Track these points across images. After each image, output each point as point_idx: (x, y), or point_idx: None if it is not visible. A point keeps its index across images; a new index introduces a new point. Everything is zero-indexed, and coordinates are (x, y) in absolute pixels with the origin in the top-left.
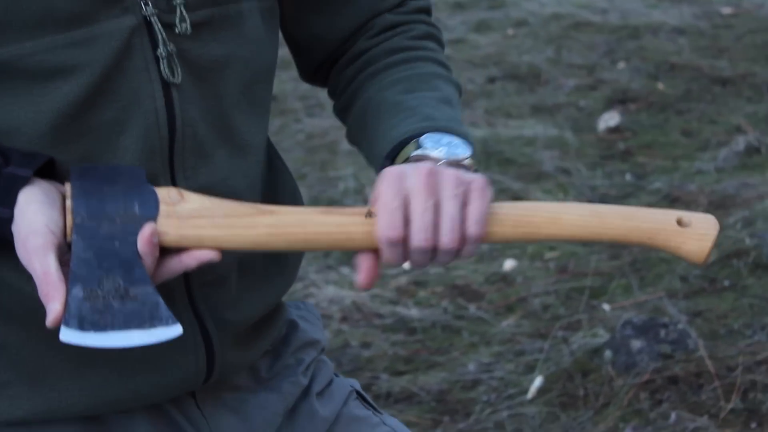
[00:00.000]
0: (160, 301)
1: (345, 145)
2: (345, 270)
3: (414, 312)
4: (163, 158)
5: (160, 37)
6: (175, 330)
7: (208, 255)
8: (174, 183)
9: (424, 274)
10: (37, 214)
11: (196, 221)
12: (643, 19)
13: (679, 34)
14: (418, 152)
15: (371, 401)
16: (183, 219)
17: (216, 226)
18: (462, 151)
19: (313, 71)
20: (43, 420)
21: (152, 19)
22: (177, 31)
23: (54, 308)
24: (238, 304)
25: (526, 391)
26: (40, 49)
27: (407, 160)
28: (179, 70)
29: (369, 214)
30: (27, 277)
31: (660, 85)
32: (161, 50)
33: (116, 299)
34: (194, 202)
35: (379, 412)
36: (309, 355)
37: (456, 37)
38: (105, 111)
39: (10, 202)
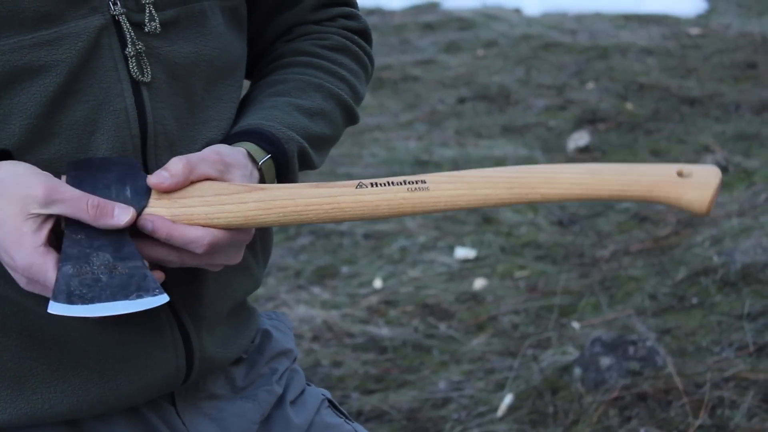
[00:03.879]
0: (148, 273)
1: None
2: (316, 290)
3: (385, 331)
4: (136, 156)
5: (128, 36)
6: (161, 299)
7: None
8: None
9: (394, 293)
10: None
11: (186, 201)
12: (611, 40)
13: (647, 55)
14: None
15: (342, 410)
16: (174, 200)
17: (207, 204)
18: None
19: (249, 73)
20: (26, 425)
21: (120, 19)
22: (146, 30)
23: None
24: (210, 298)
25: (496, 409)
26: (7, 49)
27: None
28: (149, 68)
29: (360, 185)
30: (4, 282)
31: (629, 105)
32: (129, 49)
33: (105, 273)
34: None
35: (350, 421)
36: (282, 364)
37: (426, 57)
38: (75, 111)
39: None
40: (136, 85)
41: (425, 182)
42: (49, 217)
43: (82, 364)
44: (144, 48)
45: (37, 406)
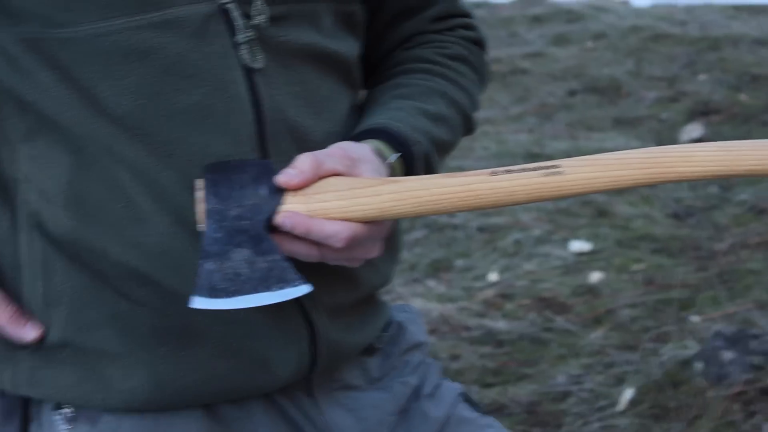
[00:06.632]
0: (288, 265)
1: None
2: (431, 283)
3: (501, 324)
4: (252, 144)
5: (238, 24)
6: (303, 288)
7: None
8: None
9: (510, 286)
10: None
11: (321, 196)
12: (723, 31)
13: (760, 46)
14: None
15: (477, 405)
16: (309, 196)
17: (341, 198)
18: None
19: (365, 81)
20: (157, 400)
21: (229, 7)
22: (254, 22)
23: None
24: (331, 288)
25: (616, 403)
26: (113, 29)
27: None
28: (261, 55)
29: (494, 173)
30: (133, 256)
31: (742, 97)
32: (241, 36)
33: (245, 268)
34: (320, 180)
35: (485, 416)
36: (416, 357)
37: (535, 50)
38: (189, 95)
39: None
40: (249, 72)
41: (560, 167)
42: None
43: (207, 339)
44: (255, 36)
45: (165, 377)
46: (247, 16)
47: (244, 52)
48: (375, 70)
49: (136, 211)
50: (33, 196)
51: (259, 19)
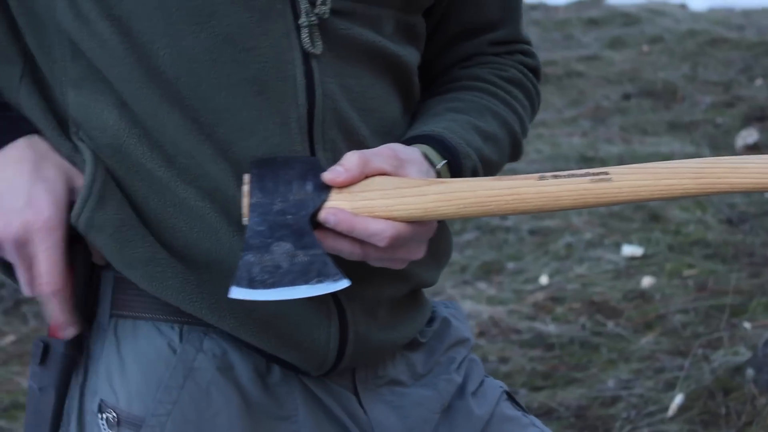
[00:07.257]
0: (329, 260)
1: None
2: (482, 285)
3: (551, 328)
4: (300, 127)
5: (302, 8)
6: (342, 283)
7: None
8: (313, 154)
9: (561, 290)
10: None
11: (367, 194)
12: None
13: None
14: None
15: (520, 403)
16: (355, 193)
17: (386, 197)
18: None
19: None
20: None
21: None
22: (317, 11)
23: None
24: (366, 278)
25: (666, 409)
26: None
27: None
28: (320, 42)
29: (542, 177)
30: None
31: None
32: (303, 20)
33: (285, 261)
34: (366, 179)
35: (527, 414)
36: (460, 353)
37: (590, 53)
38: (245, 68)
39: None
40: (306, 57)
41: (608, 173)
42: None
43: (238, 309)
44: (316, 22)
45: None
46: (311, 3)
47: (304, 36)
48: (431, 84)
49: (176, 175)
50: (85, 137)
51: (322, 9)
